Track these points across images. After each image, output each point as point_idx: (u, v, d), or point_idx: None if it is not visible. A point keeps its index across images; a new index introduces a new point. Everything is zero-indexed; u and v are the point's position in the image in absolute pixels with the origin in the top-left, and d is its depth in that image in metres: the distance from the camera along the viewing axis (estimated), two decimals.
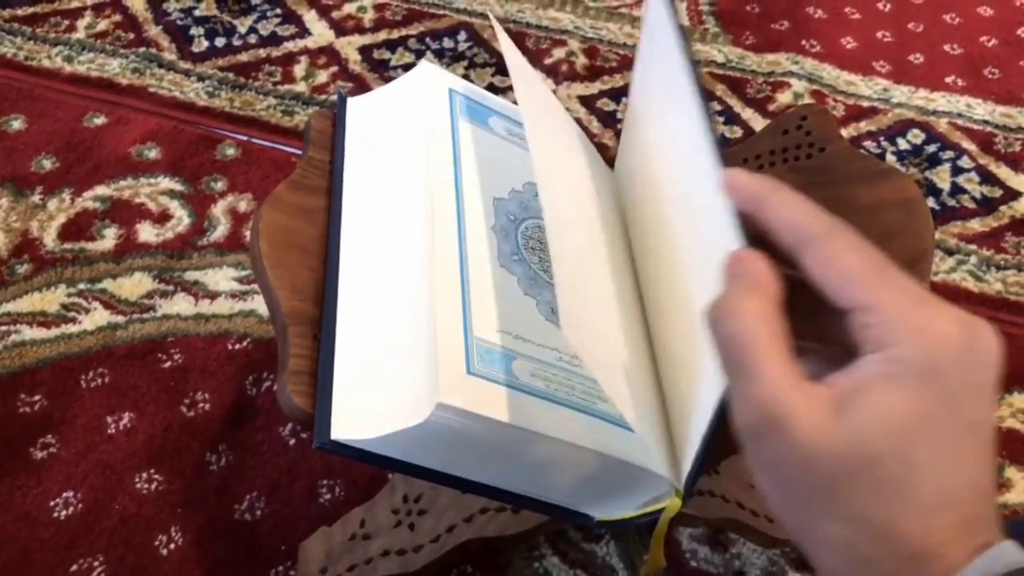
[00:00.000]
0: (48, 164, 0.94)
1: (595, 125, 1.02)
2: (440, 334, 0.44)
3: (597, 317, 0.47)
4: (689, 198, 0.45)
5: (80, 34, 1.10)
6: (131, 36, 1.10)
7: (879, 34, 1.16)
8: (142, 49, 1.08)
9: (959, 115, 1.05)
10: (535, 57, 1.10)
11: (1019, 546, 0.30)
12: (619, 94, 1.06)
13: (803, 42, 1.14)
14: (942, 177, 0.99)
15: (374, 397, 0.45)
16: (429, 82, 0.57)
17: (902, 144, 1.02)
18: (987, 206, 0.96)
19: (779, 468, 0.32)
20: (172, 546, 0.68)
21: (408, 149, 0.54)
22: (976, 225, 0.94)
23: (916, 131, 1.03)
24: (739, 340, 0.33)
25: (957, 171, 0.99)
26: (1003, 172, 0.99)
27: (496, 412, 0.43)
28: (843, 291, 0.33)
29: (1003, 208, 0.96)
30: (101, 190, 0.92)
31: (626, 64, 1.10)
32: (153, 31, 1.11)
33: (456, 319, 0.45)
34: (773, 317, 0.33)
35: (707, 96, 0.43)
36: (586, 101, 1.05)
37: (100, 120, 0.99)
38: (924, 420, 0.30)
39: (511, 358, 0.45)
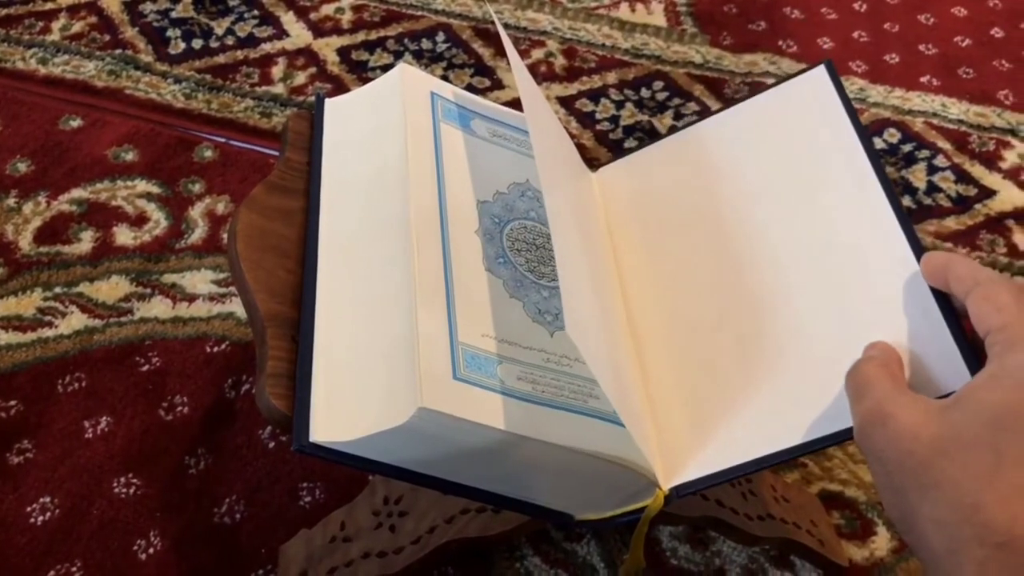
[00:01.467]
0: (23, 167, 0.93)
1: (574, 125, 1.03)
2: (422, 338, 0.44)
3: (595, 317, 0.47)
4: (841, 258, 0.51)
5: (55, 36, 1.09)
6: (107, 38, 1.09)
7: (855, 34, 1.17)
8: (118, 51, 1.07)
9: (934, 114, 1.06)
10: None
11: None
12: (597, 95, 1.07)
13: (780, 42, 1.15)
14: (918, 176, 0.99)
15: (353, 399, 0.45)
16: (408, 83, 0.57)
17: (879, 143, 1.02)
18: (962, 204, 0.97)
19: (884, 462, 0.37)
20: (151, 551, 0.68)
21: (387, 151, 0.54)
22: (952, 223, 0.95)
23: (892, 130, 1.04)
24: (863, 377, 0.40)
25: (933, 170, 1.00)
26: (977, 171, 1.00)
27: (481, 417, 0.43)
28: (989, 318, 0.38)
29: (978, 206, 0.97)
30: (77, 193, 0.91)
31: (604, 65, 1.10)
32: (129, 33, 1.10)
33: (441, 325, 0.45)
34: (891, 367, 0.41)
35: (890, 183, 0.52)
36: (565, 102, 1.06)
37: (76, 123, 0.98)
38: (1016, 416, 0.34)
39: (497, 362, 0.46)
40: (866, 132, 0.54)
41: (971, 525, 0.33)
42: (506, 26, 1.15)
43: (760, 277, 0.52)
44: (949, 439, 0.35)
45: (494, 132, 0.59)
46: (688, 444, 0.48)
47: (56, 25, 1.10)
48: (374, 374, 0.45)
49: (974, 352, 0.43)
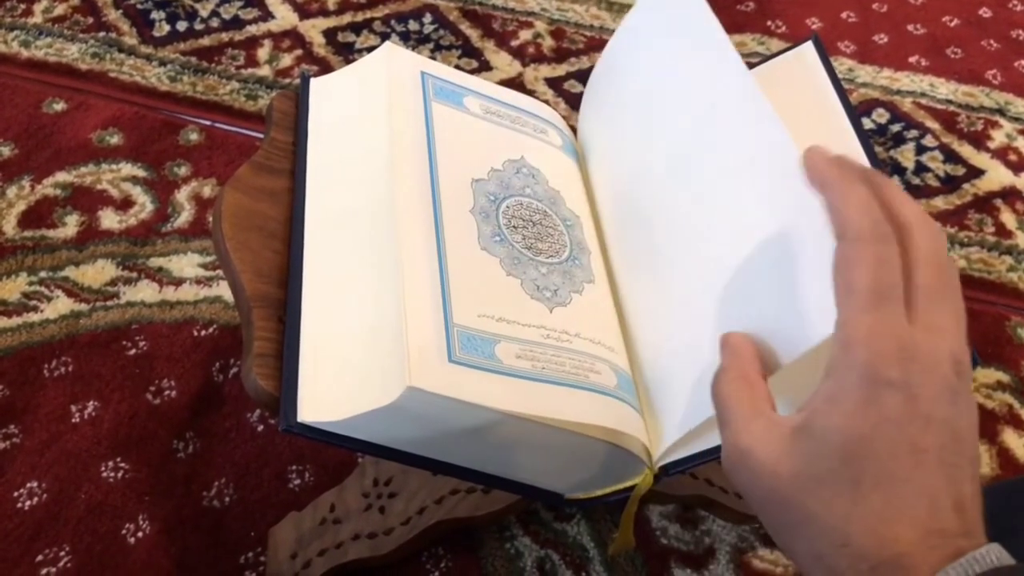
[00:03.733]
0: (6, 151, 0.92)
1: (563, 107, 1.02)
2: (410, 317, 0.43)
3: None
4: None
5: (37, 18, 1.08)
6: (90, 20, 1.08)
7: (844, 14, 1.17)
8: (102, 34, 1.06)
9: (923, 94, 1.06)
10: (501, 39, 1.10)
11: (1002, 549, 0.32)
12: (586, 75, 1.06)
13: (768, 22, 1.14)
14: (907, 156, 0.99)
15: (341, 379, 0.44)
16: (395, 63, 0.57)
17: (867, 124, 1.02)
18: (950, 184, 0.97)
19: (754, 496, 0.36)
20: (140, 534, 0.68)
21: (374, 131, 0.54)
22: (940, 203, 0.95)
23: (881, 110, 1.04)
24: (720, 398, 0.39)
25: (921, 150, 1.00)
26: (966, 150, 1.00)
27: (470, 396, 0.42)
28: (839, 301, 0.35)
29: (966, 186, 0.97)
30: (62, 177, 0.90)
31: (593, 46, 1.10)
32: (113, 15, 1.09)
33: (434, 307, 0.45)
34: (748, 374, 0.39)
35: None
36: (553, 83, 1.05)
37: (60, 106, 0.97)
38: (862, 442, 0.33)
39: (494, 342, 0.45)
40: (853, 108, 0.53)
41: (843, 557, 0.33)
42: (493, 7, 1.14)
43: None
44: (807, 476, 0.34)
45: (487, 109, 0.58)
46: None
47: (38, 7, 1.09)
48: (362, 354, 0.45)
49: None
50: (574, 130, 0.62)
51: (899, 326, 0.35)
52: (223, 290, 0.82)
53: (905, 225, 0.36)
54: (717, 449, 0.45)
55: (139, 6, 1.10)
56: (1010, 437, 0.77)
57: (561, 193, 0.55)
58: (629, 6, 1.15)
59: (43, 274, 0.82)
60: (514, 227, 0.51)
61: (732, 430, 0.37)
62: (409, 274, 0.45)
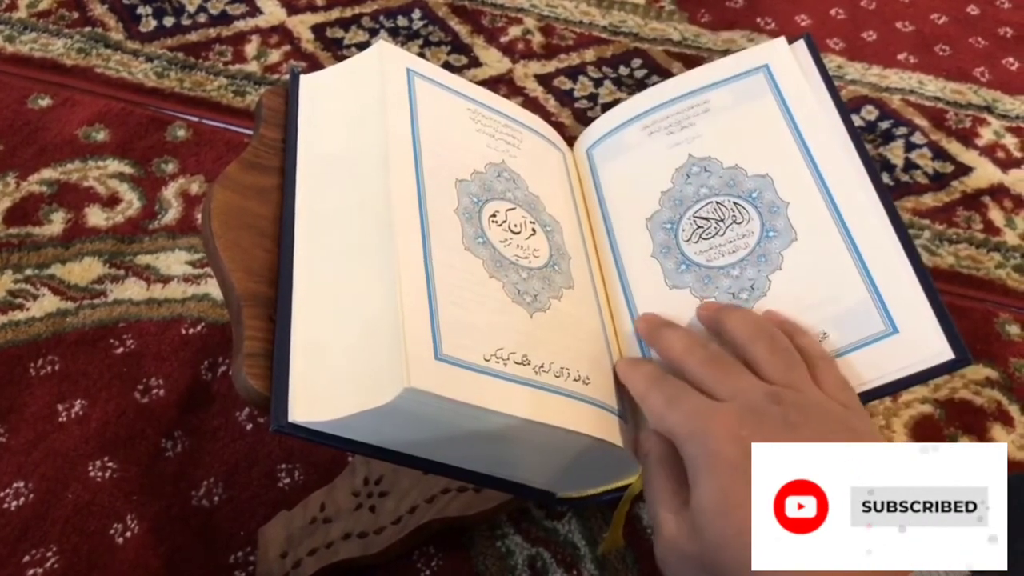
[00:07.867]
0: None
1: (552, 104, 1.02)
2: (408, 318, 0.43)
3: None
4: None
5: (22, 13, 1.07)
6: (75, 15, 1.07)
7: (832, 11, 1.17)
8: (87, 29, 1.05)
9: (911, 92, 1.06)
10: (491, 35, 1.09)
11: None
12: (576, 72, 1.06)
13: (758, 19, 1.14)
14: (896, 153, 1.00)
15: (333, 379, 0.44)
16: (387, 61, 0.56)
17: (856, 121, 1.02)
18: (939, 181, 0.97)
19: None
20: (128, 534, 0.67)
21: (366, 130, 0.53)
22: (929, 200, 0.95)
23: (870, 107, 1.04)
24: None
25: (910, 147, 1.00)
26: (954, 148, 1.01)
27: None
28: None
29: (955, 183, 0.97)
30: (47, 173, 0.90)
31: (582, 42, 1.09)
32: (99, 10, 1.08)
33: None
34: (667, 461, 0.44)
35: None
36: (543, 80, 1.05)
37: (45, 101, 0.96)
38: (728, 499, 0.39)
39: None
40: (845, 106, 0.53)
41: None
42: (483, 3, 1.14)
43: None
44: (708, 547, 0.39)
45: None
46: None
47: (23, 2, 1.08)
48: (355, 353, 0.44)
49: (952, 326, 0.44)
50: (560, 127, 0.62)
51: (708, 405, 0.42)
52: (211, 288, 0.81)
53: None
54: None
55: (125, 1, 1.09)
56: (999, 434, 0.77)
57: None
58: (618, 2, 1.15)
59: (29, 272, 0.82)
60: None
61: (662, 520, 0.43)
62: (406, 274, 0.45)
